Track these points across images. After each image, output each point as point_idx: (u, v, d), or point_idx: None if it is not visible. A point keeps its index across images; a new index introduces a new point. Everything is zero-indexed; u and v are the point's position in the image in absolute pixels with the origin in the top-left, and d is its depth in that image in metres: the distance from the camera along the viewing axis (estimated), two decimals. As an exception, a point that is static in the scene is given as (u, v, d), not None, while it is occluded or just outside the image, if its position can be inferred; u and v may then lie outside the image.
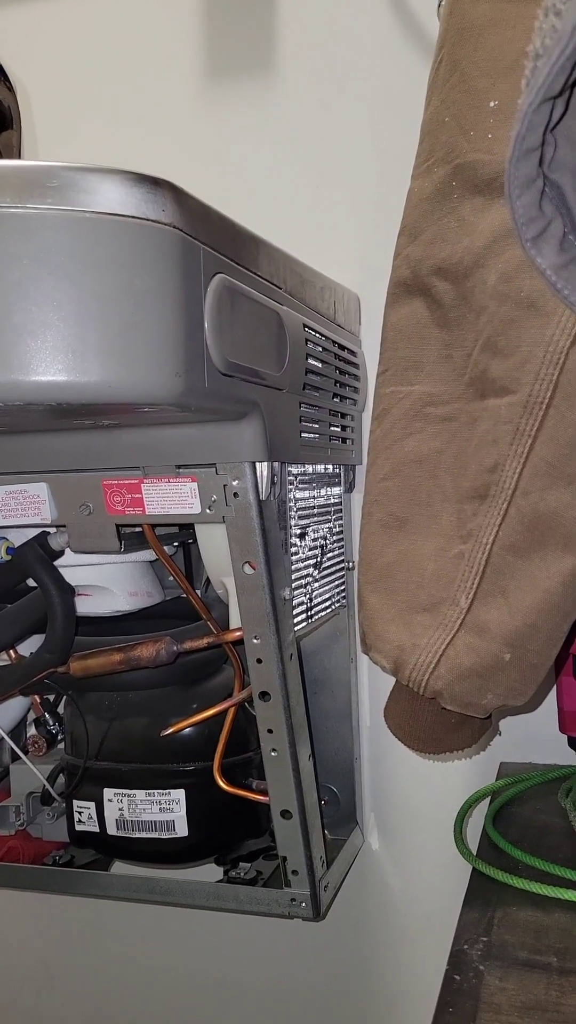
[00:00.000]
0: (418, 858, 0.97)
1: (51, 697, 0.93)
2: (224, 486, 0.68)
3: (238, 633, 0.75)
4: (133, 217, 0.49)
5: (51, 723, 0.93)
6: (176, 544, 0.95)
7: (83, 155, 1.01)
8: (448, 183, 0.58)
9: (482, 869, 0.65)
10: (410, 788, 0.97)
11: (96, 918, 1.09)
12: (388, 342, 0.63)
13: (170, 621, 0.89)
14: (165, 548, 0.86)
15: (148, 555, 0.88)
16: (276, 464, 0.69)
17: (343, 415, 0.87)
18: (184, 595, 1.00)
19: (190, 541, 0.93)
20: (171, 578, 1.00)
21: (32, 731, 0.93)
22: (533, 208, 0.44)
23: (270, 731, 0.74)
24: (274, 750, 0.74)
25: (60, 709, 0.94)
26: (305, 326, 0.73)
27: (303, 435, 0.75)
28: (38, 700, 0.93)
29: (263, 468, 0.67)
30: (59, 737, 0.93)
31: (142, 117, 1.02)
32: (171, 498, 0.70)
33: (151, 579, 0.91)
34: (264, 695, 0.73)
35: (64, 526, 0.74)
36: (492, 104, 0.54)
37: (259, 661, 0.72)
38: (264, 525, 0.68)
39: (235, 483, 0.67)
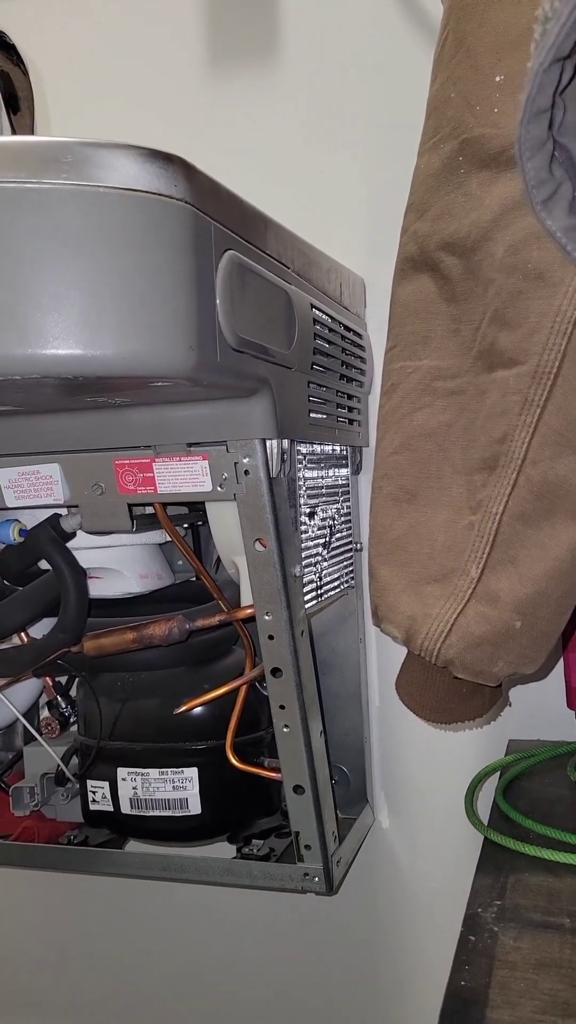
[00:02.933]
0: (428, 836, 0.98)
1: (63, 680, 0.94)
2: (235, 464, 0.68)
3: (249, 610, 0.76)
4: (146, 192, 0.50)
5: (63, 705, 0.94)
6: (186, 526, 0.96)
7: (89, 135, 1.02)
8: (455, 158, 0.58)
9: (494, 838, 0.66)
10: (419, 767, 0.98)
11: (109, 900, 1.10)
12: (396, 318, 0.64)
13: (179, 604, 0.90)
14: (160, 536, 0.87)
15: (158, 537, 0.89)
16: (286, 442, 0.69)
17: (350, 396, 0.88)
18: (193, 578, 1.01)
19: (199, 523, 0.94)
20: (180, 561, 1.01)
21: (45, 713, 0.94)
22: (543, 171, 0.45)
23: (282, 707, 0.75)
24: (286, 726, 0.75)
25: (72, 692, 0.95)
26: (312, 306, 0.74)
27: (312, 414, 0.75)
28: (50, 683, 0.94)
29: (273, 445, 0.68)
30: (72, 719, 0.94)
31: (147, 98, 1.02)
32: (182, 476, 0.70)
33: (161, 561, 0.92)
34: (276, 671, 0.74)
35: (76, 506, 0.75)
36: (498, 79, 0.55)
37: (271, 637, 0.73)
38: (275, 502, 0.69)
39: (246, 460, 0.68)
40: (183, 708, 0.80)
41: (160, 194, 0.51)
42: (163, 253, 0.51)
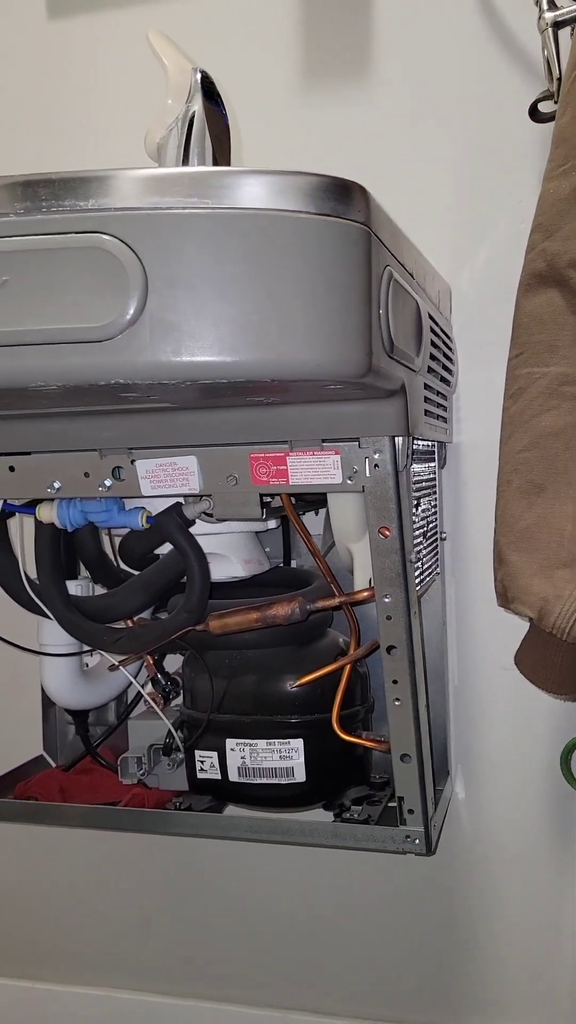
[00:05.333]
0: (503, 806, 1.05)
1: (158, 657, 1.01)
2: (366, 458, 0.75)
3: (366, 593, 0.82)
4: (336, 217, 0.56)
5: (164, 682, 1.00)
6: (281, 516, 1.02)
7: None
8: (587, 185, 0.65)
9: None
10: (495, 742, 1.05)
11: (189, 863, 1.17)
12: (522, 328, 0.71)
13: (275, 588, 0.96)
14: (262, 524, 0.94)
15: (259, 526, 0.96)
16: (409, 438, 0.76)
17: (441, 395, 0.95)
18: (280, 565, 1.08)
19: (301, 512, 1.00)
20: (268, 548, 1.07)
21: (149, 688, 1.01)
22: None
23: (395, 682, 0.81)
24: (397, 699, 0.82)
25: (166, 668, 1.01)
26: (428, 314, 0.80)
27: (425, 414, 0.82)
28: (151, 660, 1.00)
29: (401, 442, 0.74)
30: (172, 694, 1.00)
31: (242, 113, 1.08)
32: (314, 469, 0.77)
33: (260, 548, 0.99)
34: (391, 649, 0.80)
35: (209, 496, 0.81)
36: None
37: (388, 618, 0.79)
38: (399, 494, 0.76)
39: (376, 456, 0.74)
40: (301, 681, 0.87)
41: (346, 219, 0.57)
42: (346, 271, 0.57)
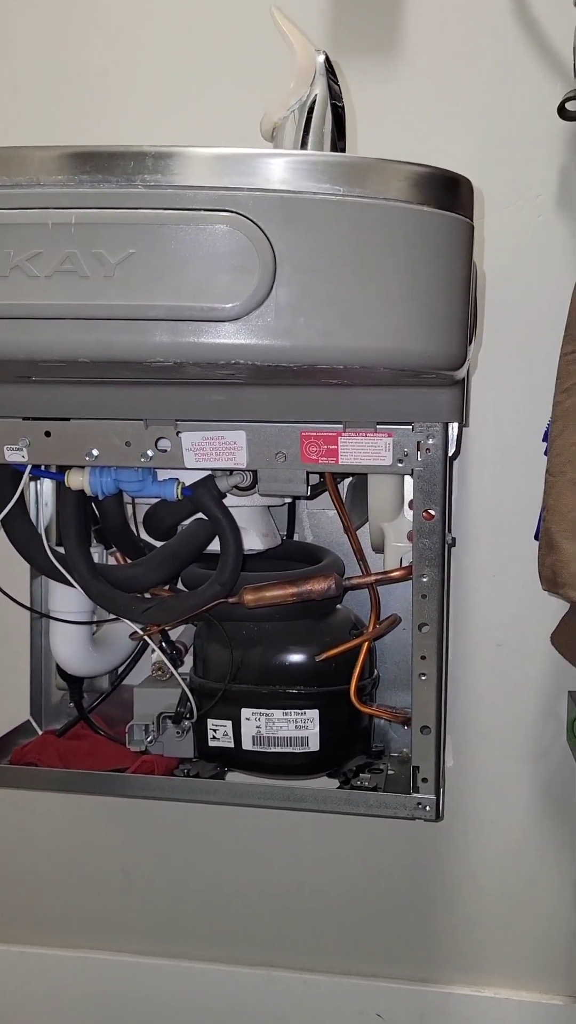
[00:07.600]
0: (487, 774, 1.11)
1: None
2: (418, 443, 0.77)
3: (399, 572, 0.85)
4: (451, 211, 0.58)
5: (170, 651, 1.00)
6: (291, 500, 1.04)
7: (200, 121, 1.07)
8: None
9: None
10: (483, 714, 1.10)
11: (169, 824, 1.18)
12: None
13: (285, 563, 0.98)
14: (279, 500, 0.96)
15: (275, 501, 0.97)
16: (459, 425, 0.78)
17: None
18: (286, 539, 1.09)
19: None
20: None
21: (157, 657, 1.01)
22: None
23: (423, 657, 0.84)
24: (423, 674, 0.85)
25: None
26: (473, 303, 0.82)
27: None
28: (156, 629, 1.00)
29: (455, 428, 0.77)
30: (177, 663, 1.01)
31: (263, 85, 1.07)
32: (365, 450, 0.78)
33: (273, 523, 1.00)
34: (423, 626, 0.83)
35: (252, 471, 0.82)
36: None
37: (423, 596, 0.82)
38: (446, 479, 0.78)
39: (430, 441, 0.76)
40: (327, 655, 0.89)
41: (458, 213, 0.58)
42: (454, 265, 0.59)
